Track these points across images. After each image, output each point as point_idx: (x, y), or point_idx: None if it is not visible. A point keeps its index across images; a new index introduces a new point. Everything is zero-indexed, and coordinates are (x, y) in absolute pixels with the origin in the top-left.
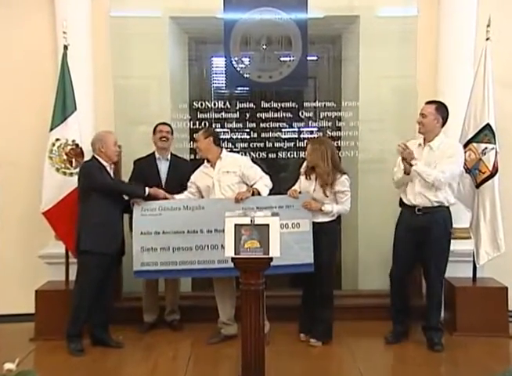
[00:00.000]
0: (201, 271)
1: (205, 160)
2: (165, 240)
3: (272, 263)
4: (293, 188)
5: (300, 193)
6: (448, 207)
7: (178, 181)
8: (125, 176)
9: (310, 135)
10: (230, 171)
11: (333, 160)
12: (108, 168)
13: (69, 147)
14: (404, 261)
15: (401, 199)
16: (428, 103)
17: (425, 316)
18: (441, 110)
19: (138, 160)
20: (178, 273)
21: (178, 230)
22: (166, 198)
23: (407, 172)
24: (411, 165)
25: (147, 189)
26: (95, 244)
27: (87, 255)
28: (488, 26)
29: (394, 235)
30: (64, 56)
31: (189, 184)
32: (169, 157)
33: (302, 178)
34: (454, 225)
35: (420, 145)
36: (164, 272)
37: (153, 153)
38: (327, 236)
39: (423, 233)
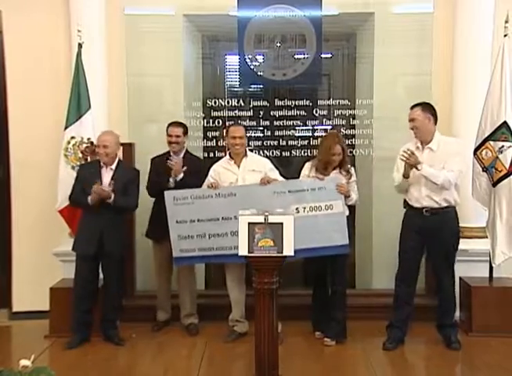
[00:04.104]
0: (238, 257)
1: (227, 156)
2: (200, 228)
3: (306, 246)
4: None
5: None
6: (454, 207)
7: (190, 178)
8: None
9: (324, 134)
10: (256, 170)
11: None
12: (104, 170)
13: (84, 145)
14: (412, 262)
15: (405, 200)
16: (413, 107)
17: (438, 315)
18: (428, 108)
19: (154, 158)
20: (216, 258)
21: (213, 217)
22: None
23: (406, 176)
24: (418, 169)
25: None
26: (74, 246)
27: (75, 256)
28: (507, 22)
29: (400, 236)
30: (78, 54)
31: (210, 179)
32: (181, 155)
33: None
34: (471, 225)
35: (418, 148)
36: (202, 258)
37: (169, 151)
38: None
39: (433, 234)
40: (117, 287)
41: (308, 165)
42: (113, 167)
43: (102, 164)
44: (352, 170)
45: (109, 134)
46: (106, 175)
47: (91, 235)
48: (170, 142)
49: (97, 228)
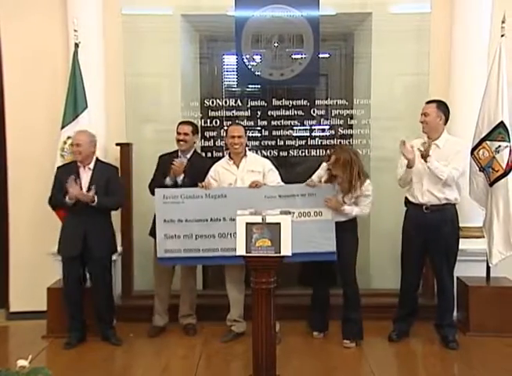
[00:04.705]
0: (224, 258)
1: (227, 156)
2: (188, 228)
3: (294, 251)
4: (310, 179)
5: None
6: (454, 205)
7: (194, 179)
8: (135, 174)
9: (322, 133)
10: (255, 171)
11: (359, 167)
12: (82, 170)
13: None
14: (414, 260)
15: (406, 198)
16: (428, 102)
17: (437, 315)
18: (442, 107)
19: (162, 155)
20: (201, 260)
21: (201, 218)
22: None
23: (410, 166)
24: (426, 161)
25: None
26: (59, 249)
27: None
28: (503, 22)
29: (402, 234)
30: (75, 54)
31: (210, 179)
32: (189, 154)
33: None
34: (468, 224)
35: (425, 143)
36: (187, 259)
37: (177, 149)
38: (347, 234)
39: (432, 232)
40: (106, 288)
41: (324, 165)
42: (91, 166)
43: (79, 164)
44: (365, 184)
45: (83, 133)
46: (85, 176)
47: (75, 236)
48: (178, 140)
49: (81, 229)
